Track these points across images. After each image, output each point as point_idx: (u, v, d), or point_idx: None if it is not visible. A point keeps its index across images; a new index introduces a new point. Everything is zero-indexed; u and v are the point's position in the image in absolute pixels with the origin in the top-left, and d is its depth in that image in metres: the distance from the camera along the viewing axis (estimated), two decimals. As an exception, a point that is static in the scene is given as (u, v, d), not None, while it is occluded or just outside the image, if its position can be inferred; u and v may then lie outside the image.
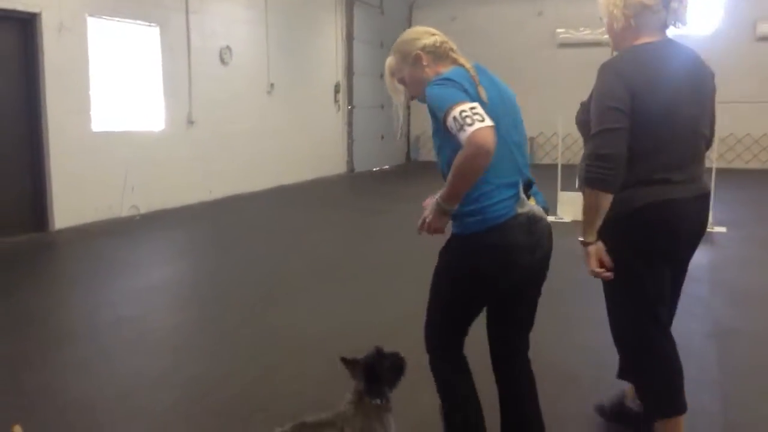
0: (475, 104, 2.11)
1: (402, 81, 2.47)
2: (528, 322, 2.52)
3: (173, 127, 9.12)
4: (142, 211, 8.50)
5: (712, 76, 2.59)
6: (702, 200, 2.57)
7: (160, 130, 8.93)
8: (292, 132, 11.57)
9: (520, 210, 2.26)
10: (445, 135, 2.20)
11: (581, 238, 2.48)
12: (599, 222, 2.42)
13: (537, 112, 14.55)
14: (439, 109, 2.16)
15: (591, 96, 2.48)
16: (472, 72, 2.28)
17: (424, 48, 2.37)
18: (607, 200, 2.38)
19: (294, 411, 3.21)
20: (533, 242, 2.30)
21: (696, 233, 2.59)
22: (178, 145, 9.18)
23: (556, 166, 8.43)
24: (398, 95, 2.52)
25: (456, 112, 2.09)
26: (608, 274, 2.46)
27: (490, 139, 2.05)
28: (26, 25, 7.05)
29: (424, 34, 2.40)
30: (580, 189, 2.49)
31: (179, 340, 4.27)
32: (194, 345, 4.19)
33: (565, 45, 14.99)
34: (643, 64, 2.42)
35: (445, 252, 2.39)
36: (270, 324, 4.47)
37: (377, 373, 2.35)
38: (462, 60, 2.37)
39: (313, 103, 12.46)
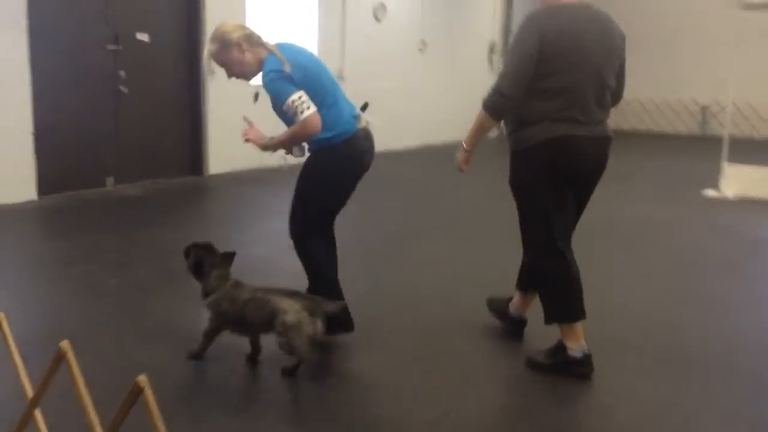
0: (301, 93, 3.00)
1: (222, 63, 3.19)
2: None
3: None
4: (290, 162, 8.79)
5: (622, 37, 3.00)
6: (601, 141, 2.98)
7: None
8: (441, 91, 11.43)
9: (359, 126, 3.25)
10: (281, 109, 3.06)
11: (466, 146, 3.15)
12: (481, 137, 3.13)
13: (710, 78, 13.40)
14: (278, 99, 3.04)
15: (511, 43, 2.98)
16: (278, 53, 3.09)
17: (241, 38, 3.12)
18: (492, 124, 3.07)
19: (390, 361, 3.20)
20: (369, 146, 3.31)
21: (593, 169, 3.02)
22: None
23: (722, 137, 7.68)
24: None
25: (289, 101, 2.99)
26: (468, 169, 3.24)
27: (315, 123, 3.02)
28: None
29: (238, 28, 3.18)
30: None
31: (296, 282, 4.36)
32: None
33: (751, 6, 13.50)
34: (557, 17, 2.87)
35: (313, 161, 3.24)
36: (382, 278, 4.49)
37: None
38: (270, 46, 3.16)
39: (466, 62, 12.21)
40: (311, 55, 3.32)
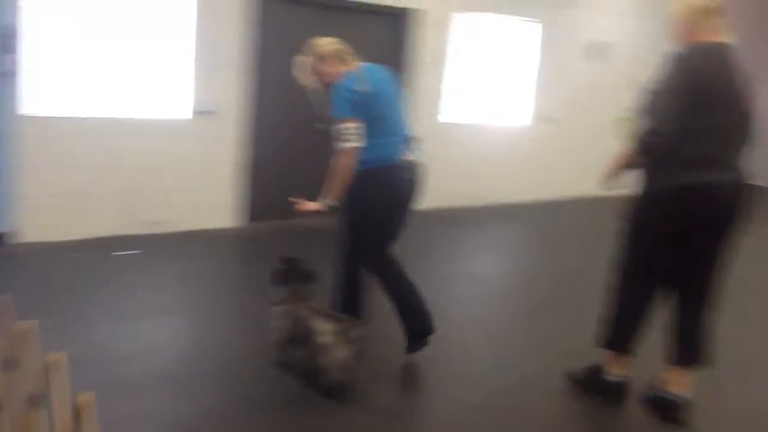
0: (356, 124, 3.26)
1: (313, 73, 3.48)
2: (402, 229, 3.56)
3: (532, 122, 9.04)
4: (485, 203, 8.64)
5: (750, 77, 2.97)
6: (737, 188, 2.94)
7: (518, 125, 8.93)
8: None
9: (402, 158, 3.45)
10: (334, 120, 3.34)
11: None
12: (622, 170, 3.10)
13: None
14: (335, 113, 3.33)
15: (657, 83, 2.89)
16: (360, 72, 3.41)
17: (330, 52, 3.47)
18: (638, 162, 2.99)
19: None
20: (410, 177, 3.48)
21: (726, 216, 2.95)
22: (535, 140, 9.07)
23: None
24: (309, 83, 3.51)
25: (342, 126, 3.28)
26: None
27: (351, 157, 3.29)
28: (398, 18, 7.69)
29: (330, 43, 3.51)
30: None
31: (447, 332, 4.19)
32: (456, 339, 4.12)
33: None
34: (707, 58, 2.86)
35: (354, 185, 3.36)
36: (535, 334, 4.25)
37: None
38: (354, 63, 3.46)
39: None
40: (389, 83, 3.55)
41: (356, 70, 3.41)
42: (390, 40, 7.77)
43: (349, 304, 3.65)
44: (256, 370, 3.49)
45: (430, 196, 8.15)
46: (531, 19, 8.67)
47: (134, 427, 2.84)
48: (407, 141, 3.54)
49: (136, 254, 5.50)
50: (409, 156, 3.49)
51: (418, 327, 3.57)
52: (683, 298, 3.13)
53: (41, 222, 5.64)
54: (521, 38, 8.74)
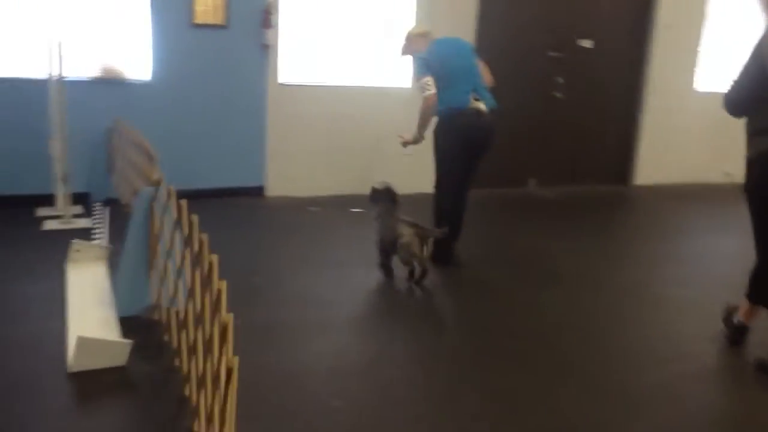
0: (430, 78, 4.32)
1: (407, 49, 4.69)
2: (476, 171, 4.59)
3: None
4: (738, 180, 7.82)
5: None
6: None
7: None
8: None
9: (470, 106, 4.36)
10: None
11: None
12: None
13: None
14: (416, 73, 4.52)
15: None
16: (430, 46, 4.50)
17: (419, 34, 4.65)
18: None
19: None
20: (479, 123, 4.40)
21: None
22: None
23: None
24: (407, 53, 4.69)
25: (421, 81, 4.38)
26: None
27: (431, 103, 4.33)
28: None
29: (418, 28, 4.78)
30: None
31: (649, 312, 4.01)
32: (657, 318, 3.90)
33: None
34: None
35: (436, 126, 4.50)
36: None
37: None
38: (430, 40, 4.55)
39: None
40: (457, 48, 4.55)
41: (429, 46, 4.48)
42: (629, 11, 7.33)
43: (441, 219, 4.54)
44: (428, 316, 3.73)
45: (667, 171, 7.68)
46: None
47: (319, 362, 3.19)
48: (477, 93, 4.39)
49: (364, 212, 6.01)
50: (475, 106, 4.34)
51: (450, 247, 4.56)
52: None
53: (288, 179, 6.40)
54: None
